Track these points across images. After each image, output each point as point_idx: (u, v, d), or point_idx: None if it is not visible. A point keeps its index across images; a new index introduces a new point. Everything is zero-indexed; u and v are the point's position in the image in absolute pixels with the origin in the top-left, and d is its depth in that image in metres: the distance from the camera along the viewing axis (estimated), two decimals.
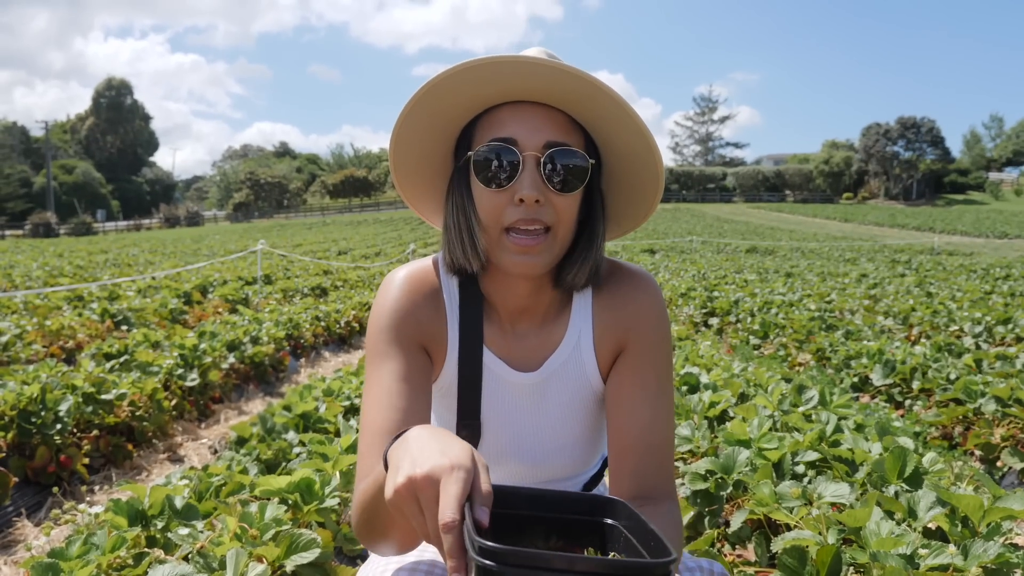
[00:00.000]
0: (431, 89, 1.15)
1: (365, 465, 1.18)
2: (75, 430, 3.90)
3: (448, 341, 1.32)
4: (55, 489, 3.09)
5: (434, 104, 1.19)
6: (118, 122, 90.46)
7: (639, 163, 1.24)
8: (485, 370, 1.33)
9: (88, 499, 3.61)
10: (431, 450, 0.84)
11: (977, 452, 3.96)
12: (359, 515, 1.11)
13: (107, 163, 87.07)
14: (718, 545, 2.52)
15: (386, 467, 0.93)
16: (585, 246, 1.26)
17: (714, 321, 9.39)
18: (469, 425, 1.34)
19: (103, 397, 4.09)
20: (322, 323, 8.29)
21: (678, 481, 2.85)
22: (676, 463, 3.12)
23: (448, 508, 0.78)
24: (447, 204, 1.27)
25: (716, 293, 10.95)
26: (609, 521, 0.92)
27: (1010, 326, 7.10)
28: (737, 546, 2.48)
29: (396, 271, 1.35)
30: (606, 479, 1.46)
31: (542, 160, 1.16)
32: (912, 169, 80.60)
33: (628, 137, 1.20)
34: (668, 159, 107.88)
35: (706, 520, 2.60)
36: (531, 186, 1.14)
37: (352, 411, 4.04)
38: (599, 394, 1.37)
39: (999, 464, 3.77)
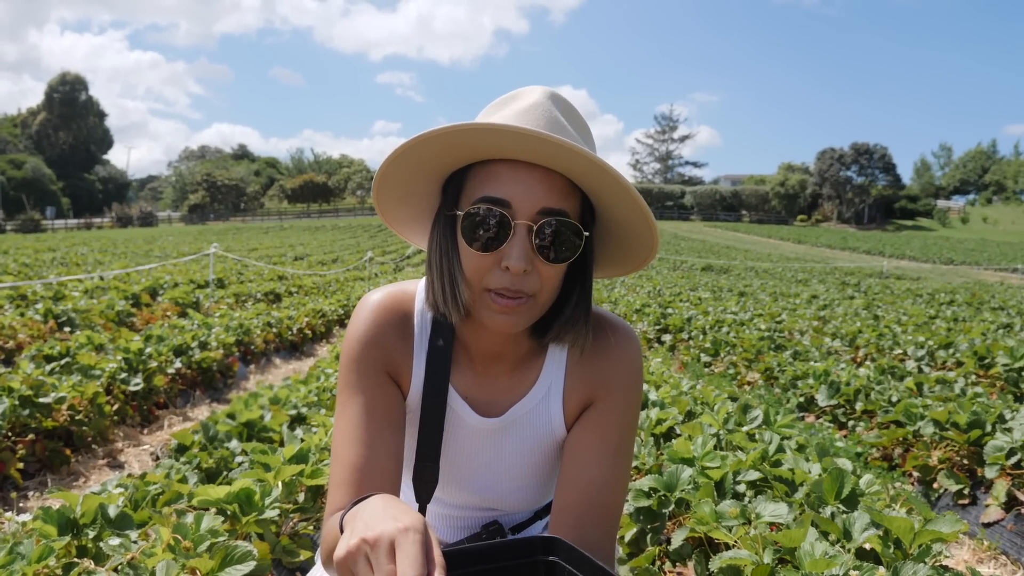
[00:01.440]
0: (421, 143, 1.08)
1: (335, 497, 1.19)
2: (10, 434, 3.78)
3: (413, 375, 1.29)
4: None
5: (426, 151, 1.11)
6: (71, 118, 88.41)
7: (635, 232, 1.19)
8: (448, 408, 1.31)
9: (21, 505, 3.51)
10: (383, 516, 0.85)
11: (915, 473, 4.05)
12: (326, 550, 1.13)
13: (58, 159, 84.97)
14: (659, 563, 2.53)
15: (341, 525, 0.96)
16: (574, 308, 1.21)
17: (667, 338, 9.48)
18: (427, 466, 1.32)
19: (41, 400, 3.98)
20: (274, 329, 8.18)
21: None
22: None
23: (408, 568, 0.78)
24: (431, 243, 1.21)
25: (670, 310, 11.06)
26: (552, 559, 0.92)
27: (951, 351, 7.29)
28: (678, 564, 2.49)
29: (372, 294, 1.31)
30: None
31: (535, 229, 1.09)
32: (864, 194, 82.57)
33: (628, 212, 1.14)
34: (628, 176, 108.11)
35: (648, 537, 2.62)
36: (520, 257, 1.08)
37: (298, 420, 3.98)
38: (560, 441, 1.34)
39: (935, 486, 3.86)
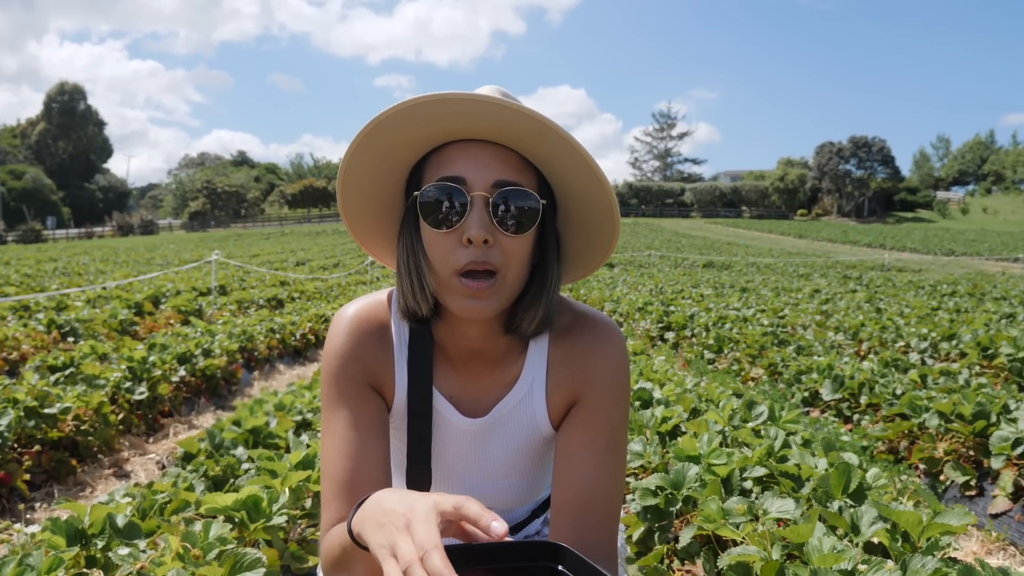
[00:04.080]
0: (376, 127, 1.11)
1: (329, 513, 1.20)
2: (16, 445, 3.78)
3: (396, 381, 1.30)
4: None
5: (381, 143, 1.14)
6: (70, 127, 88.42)
7: (593, 202, 1.19)
8: (434, 411, 1.31)
9: (28, 517, 3.51)
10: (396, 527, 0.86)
11: (921, 466, 4.05)
12: (328, 563, 1.14)
13: (58, 169, 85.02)
14: (667, 561, 2.54)
15: (350, 531, 0.98)
16: (536, 291, 1.22)
17: (670, 335, 9.47)
18: (419, 468, 1.33)
19: (46, 411, 3.98)
20: (277, 335, 8.18)
21: (628, 497, 2.86)
22: (628, 478, 3.14)
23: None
24: (399, 247, 1.23)
25: (672, 307, 11.05)
26: (559, 567, 0.92)
27: (954, 342, 7.28)
28: (686, 561, 2.50)
29: (346, 308, 1.31)
30: None
31: (491, 200, 1.11)
32: (864, 187, 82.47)
33: (580, 176, 1.16)
34: (627, 174, 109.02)
35: (656, 536, 2.62)
36: (479, 226, 1.10)
37: (304, 426, 3.99)
38: (548, 438, 1.35)
39: (942, 478, 3.86)
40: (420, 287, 1.18)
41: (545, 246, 1.22)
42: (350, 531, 0.98)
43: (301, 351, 8.68)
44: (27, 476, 3.69)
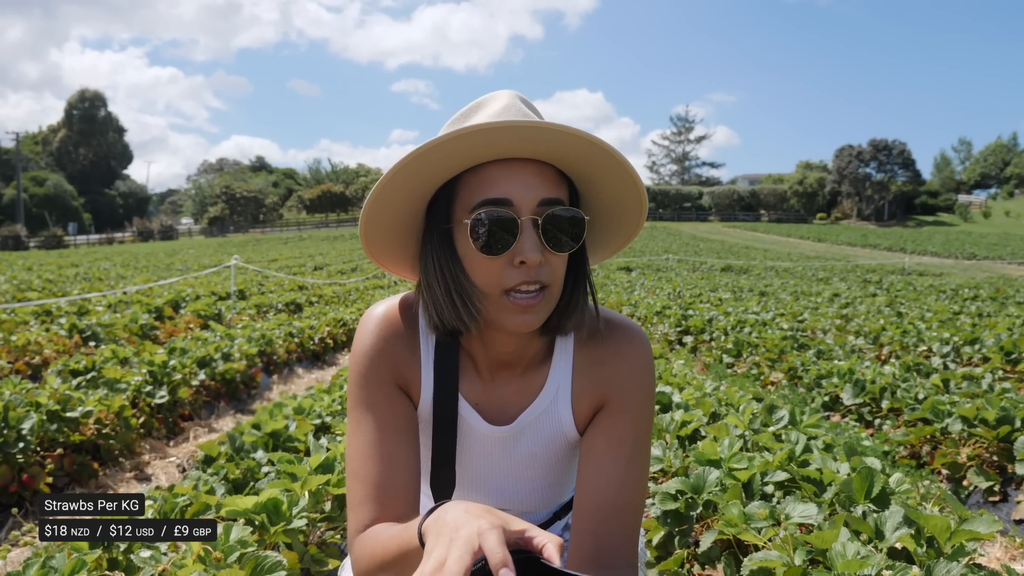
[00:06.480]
0: (422, 154, 1.09)
1: (358, 515, 1.19)
2: (38, 448, 3.82)
3: (422, 386, 1.29)
4: (15, 510, 3.02)
5: (421, 167, 1.11)
6: (91, 134, 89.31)
7: (622, 210, 1.23)
8: (458, 417, 1.31)
9: None
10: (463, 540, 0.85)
11: (944, 471, 4.00)
12: (367, 566, 1.13)
13: (79, 175, 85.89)
14: (688, 565, 2.52)
15: (421, 542, 0.96)
16: (573, 294, 1.23)
17: (688, 339, 9.43)
18: (444, 472, 1.33)
19: (68, 415, 4.02)
20: (296, 339, 8.22)
21: (648, 501, 2.85)
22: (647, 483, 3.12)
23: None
24: (427, 264, 1.20)
25: (691, 311, 11.00)
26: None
27: (977, 346, 7.19)
28: (707, 566, 2.48)
29: (374, 308, 1.31)
30: None
31: (540, 221, 1.11)
32: (884, 190, 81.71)
33: (621, 191, 1.18)
34: (645, 178, 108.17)
35: (676, 540, 2.60)
36: (534, 249, 1.10)
37: (323, 429, 4.00)
38: (573, 443, 1.34)
39: (965, 483, 3.81)
40: (466, 308, 1.16)
41: (579, 250, 1.23)
42: (420, 536, 0.97)
43: (320, 355, 8.73)
44: (50, 479, 3.72)
